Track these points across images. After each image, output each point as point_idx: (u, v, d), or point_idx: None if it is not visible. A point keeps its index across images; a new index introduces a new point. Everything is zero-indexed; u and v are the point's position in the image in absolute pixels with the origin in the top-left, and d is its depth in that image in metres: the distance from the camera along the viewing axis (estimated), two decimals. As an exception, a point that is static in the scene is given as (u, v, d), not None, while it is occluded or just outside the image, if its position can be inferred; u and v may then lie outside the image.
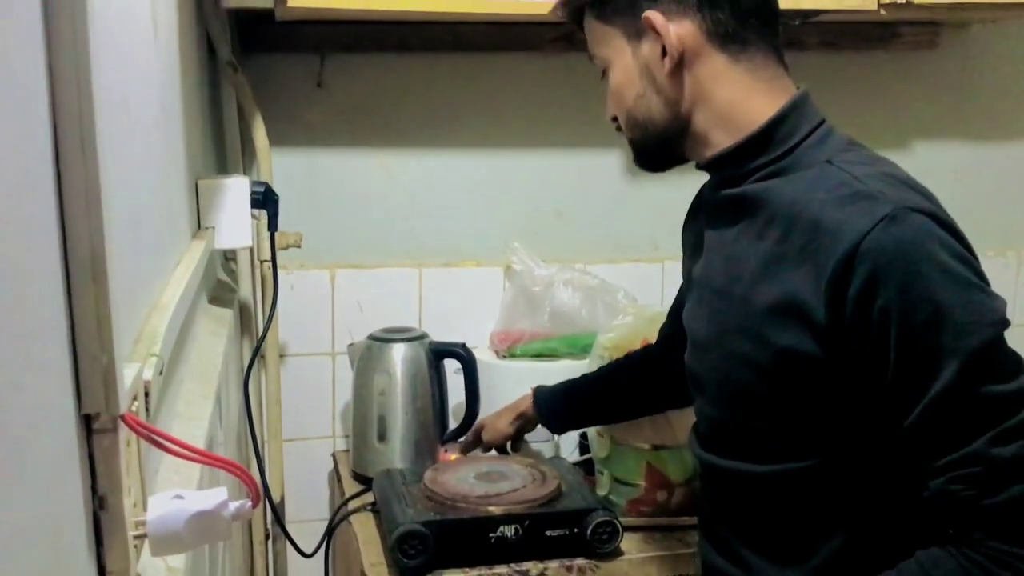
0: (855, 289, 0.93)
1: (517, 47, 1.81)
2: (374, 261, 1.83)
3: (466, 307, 1.86)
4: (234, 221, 1.42)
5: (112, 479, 0.53)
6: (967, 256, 0.95)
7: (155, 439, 0.55)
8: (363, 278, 1.83)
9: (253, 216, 1.50)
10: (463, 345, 1.68)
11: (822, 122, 1.07)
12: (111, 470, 0.53)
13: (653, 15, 1.04)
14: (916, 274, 0.91)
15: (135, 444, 0.59)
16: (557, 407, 1.50)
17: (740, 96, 1.05)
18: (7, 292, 0.40)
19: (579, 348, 1.73)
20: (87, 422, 0.52)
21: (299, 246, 1.69)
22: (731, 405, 1.10)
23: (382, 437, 1.65)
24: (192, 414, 0.96)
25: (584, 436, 1.70)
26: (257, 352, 1.63)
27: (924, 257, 0.92)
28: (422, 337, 1.68)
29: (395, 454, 1.64)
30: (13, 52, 0.43)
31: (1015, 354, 0.95)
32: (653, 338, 1.48)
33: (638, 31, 1.06)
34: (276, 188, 1.57)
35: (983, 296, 0.93)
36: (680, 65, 1.05)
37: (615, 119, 1.15)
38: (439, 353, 1.67)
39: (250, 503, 0.59)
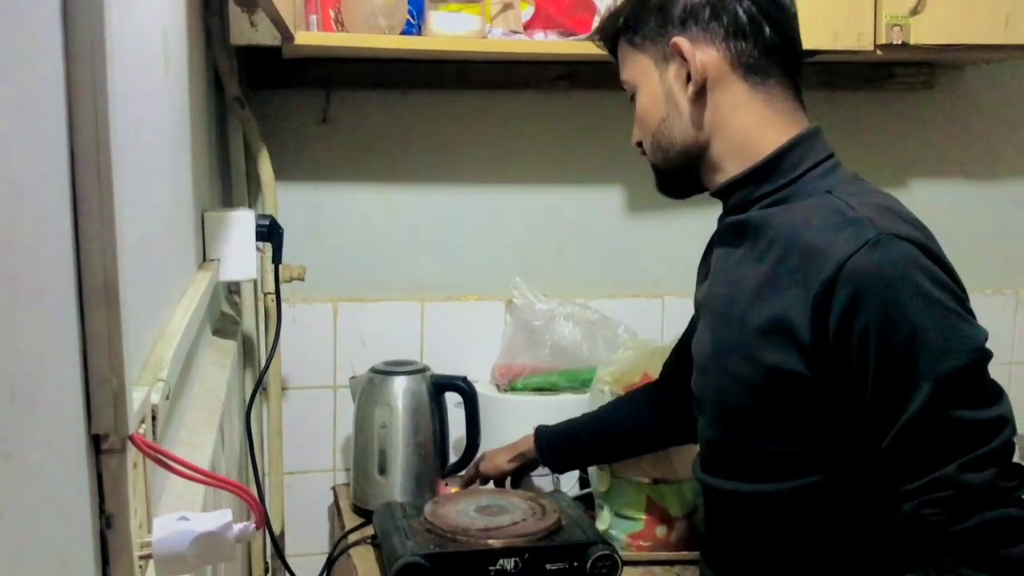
0: (837, 310, 0.96)
1: (520, 85, 1.84)
2: (376, 295, 1.85)
3: (467, 341, 1.87)
4: (239, 253, 1.44)
5: (119, 499, 0.54)
6: (950, 285, 0.98)
7: (162, 460, 0.57)
8: (365, 311, 1.84)
9: (258, 249, 1.52)
10: (464, 379, 1.69)
11: (830, 156, 1.11)
12: (119, 490, 0.54)
13: (681, 41, 1.10)
14: (895, 298, 0.94)
15: (141, 466, 0.60)
16: (558, 447, 1.51)
17: (756, 125, 1.10)
18: (24, 313, 0.41)
19: (579, 382, 1.74)
20: (96, 442, 0.54)
21: (303, 279, 1.70)
22: (727, 424, 1.12)
23: (383, 470, 1.65)
24: (195, 442, 0.97)
25: (584, 470, 1.71)
26: (260, 384, 1.64)
27: (904, 282, 0.95)
28: (424, 370, 1.69)
29: (395, 487, 1.65)
30: (37, 88, 0.45)
31: (995, 385, 0.97)
32: (653, 372, 1.49)
33: (666, 56, 1.12)
34: (280, 222, 1.60)
35: (962, 323, 0.96)
36: (703, 91, 1.10)
37: (640, 144, 1.20)
38: (440, 386, 1.68)
39: (253, 525, 0.60)
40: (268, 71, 1.73)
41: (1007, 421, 0.96)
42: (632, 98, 1.19)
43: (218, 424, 1.08)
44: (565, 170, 1.90)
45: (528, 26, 1.68)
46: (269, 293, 1.66)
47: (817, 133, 1.12)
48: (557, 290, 1.86)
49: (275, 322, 1.63)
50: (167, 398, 0.72)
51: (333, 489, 1.84)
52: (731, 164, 1.12)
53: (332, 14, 1.59)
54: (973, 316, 0.99)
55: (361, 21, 1.56)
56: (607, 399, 1.56)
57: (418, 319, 1.87)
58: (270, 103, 1.76)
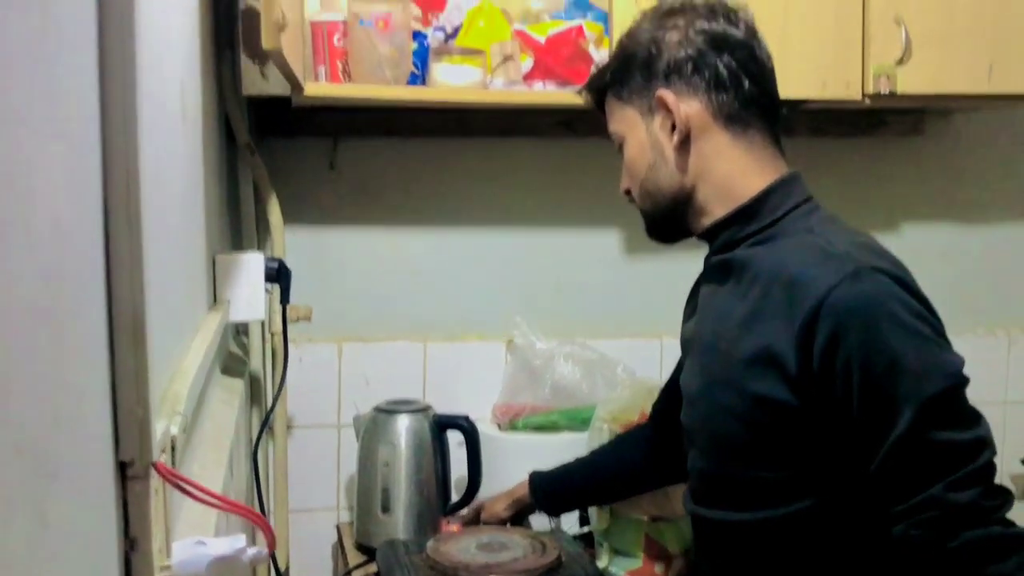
0: (821, 340, 1.01)
1: (519, 132, 1.90)
2: (380, 335, 1.89)
3: (469, 380, 1.90)
4: (248, 295, 1.48)
5: (143, 523, 0.58)
6: (926, 315, 1.03)
7: (182, 486, 0.61)
8: (369, 351, 1.88)
9: (266, 290, 1.56)
10: (466, 417, 1.72)
11: (808, 199, 1.17)
12: (142, 514, 0.58)
13: (665, 94, 1.16)
14: (875, 327, 1.00)
15: (162, 492, 0.64)
16: (552, 491, 1.54)
17: (738, 171, 1.16)
18: (68, 347, 0.46)
19: (579, 421, 1.77)
20: (122, 469, 0.58)
21: (309, 319, 1.74)
22: (718, 454, 1.16)
23: (386, 508, 1.68)
24: (206, 476, 1.00)
25: (585, 509, 1.73)
26: (266, 423, 1.68)
27: (883, 312, 1.00)
28: (426, 409, 1.72)
29: (398, 525, 1.67)
30: (77, 140, 0.50)
31: (974, 410, 1.02)
32: (650, 410, 1.52)
33: (651, 108, 1.18)
34: (287, 264, 1.64)
35: (939, 350, 1.02)
36: (687, 140, 1.16)
37: (628, 192, 1.26)
38: (443, 425, 1.71)
39: (266, 550, 0.64)
40: (277, 119, 1.78)
41: (987, 442, 1.01)
42: (620, 149, 1.25)
43: (227, 460, 1.11)
44: (564, 214, 1.95)
45: (528, 77, 1.74)
46: (276, 333, 1.70)
47: (797, 178, 1.18)
48: (557, 330, 1.90)
49: (282, 361, 1.67)
50: (184, 431, 0.76)
51: (337, 527, 1.86)
52: (716, 207, 1.18)
53: (340, 65, 1.65)
54: (949, 344, 1.05)
55: (368, 72, 1.62)
56: (606, 437, 1.59)
57: (420, 359, 1.91)
58: (279, 150, 1.81)
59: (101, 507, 0.54)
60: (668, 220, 1.23)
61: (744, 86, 1.15)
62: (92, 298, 0.53)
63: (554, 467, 1.55)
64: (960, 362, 1.03)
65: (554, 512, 1.58)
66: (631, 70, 1.20)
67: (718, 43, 1.15)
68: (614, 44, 1.60)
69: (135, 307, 0.56)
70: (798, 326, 1.03)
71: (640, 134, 1.20)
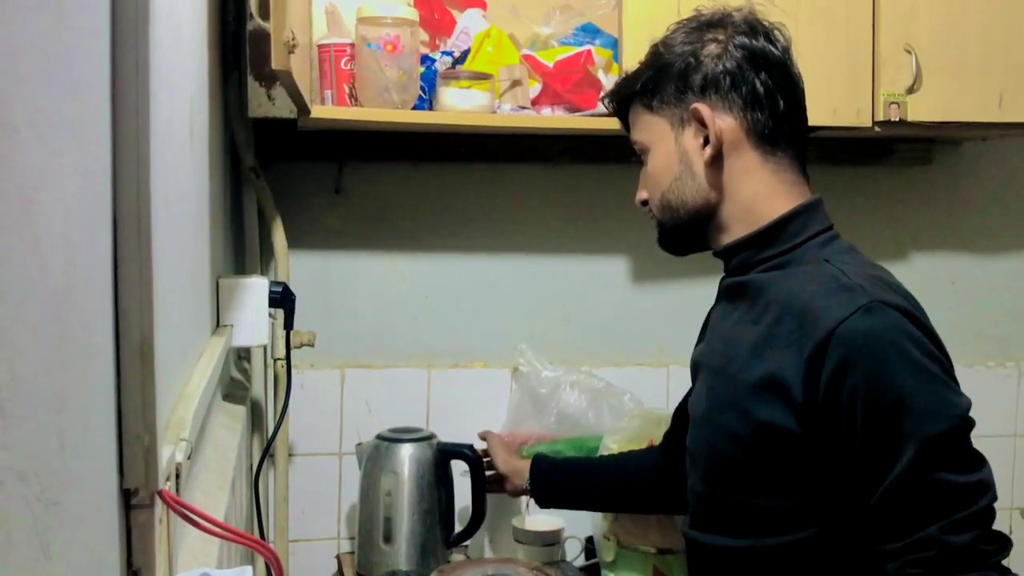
0: (828, 370, 1.00)
1: (526, 158, 1.89)
2: (383, 361, 1.87)
3: (474, 408, 1.88)
4: (252, 319, 1.46)
5: (147, 553, 0.56)
6: (935, 353, 1.02)
7: (188, 515, 0.58)
8: (372, 378, 1.86)
9: (270, 315, 1.54)
10: (471, 446, 1.69)
11: (829, 227, 1.16)
12: (146, 544, 0.56)
13: (701, 107, 1.15)
14: (883, 362, 0.99)
15: (166, 521, 0.62)
16: (550, 480, 1.52)
17: (764, 192, 1.15)
18: (74, 370, 0.44)
19: (585, 450, 1.74)
20: (126, 497, 0.55)
21: (312, 345, 1.72)
22: (719, 479, 1.15)
23: (388, 538, 1.65)
24: (208, 505, 0.98)
25: (590, 540, 1.70)
26: (268, 450, 1.65)
27: (892, 347, 0.99)
28: (430, 438, 1.69)
29: (400, 556, 1.64)
30: (89, 156, 0.48)
31: (978, 453, 1.01)
32: (658, 440, 1.50)
33: (683, 120, 1.17)
34: (291, 288, 1.62)
35: (947, 391, 1.00)
36: (718, 156, 1.16)
37: (645, 203, 1.25)
38: (447, 454, 1.69)
39: (273, 582, 0.61)
40: (283, 142, 1.77)
41: (988, 487, 0.99)
42: (641, 158, 1.24)
43: (230, 486, 1.09)
44: (570, 240, 1.94)
45: (535, 102, 1.73)
46: (280, 359, 1.68)
47: (819, 205, 1.17)
48: (563, 358, 1.88)
49: (284, 387, 1.65)
50: (188, 457, 0.73)
51: (337, 557, 1.83)
52: (737, 227, 1.17)
53: (347, 89, 1.65)
54: (957, 384, 1.03)
55: (375, 96, 1.61)
56: (613, 467, 1.57)
57: (424, 386, 1.89)
58: (285, 174, 1.80)
59: (104, 536, 0.51)
60: (685, 233, 1.23)
61: (779, 106, 1.15)
62: (100, 320, 0.51)
63: (560, 457, 1.55)
64: (967, 404, 1.01)
65: (544, 501, 1.54)
66: (665, 80, 1.18)
67: (757, 60, 1.14)
68: (623, 70, 1.61)
69: (143, 330, 0.54)
70: (806, 355, 1.02)
71: (668, 145, 1.19)
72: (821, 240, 1.14)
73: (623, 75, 1.28)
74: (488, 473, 1.63)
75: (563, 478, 1.52)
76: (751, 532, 1.11)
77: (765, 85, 1.14)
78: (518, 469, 1.56)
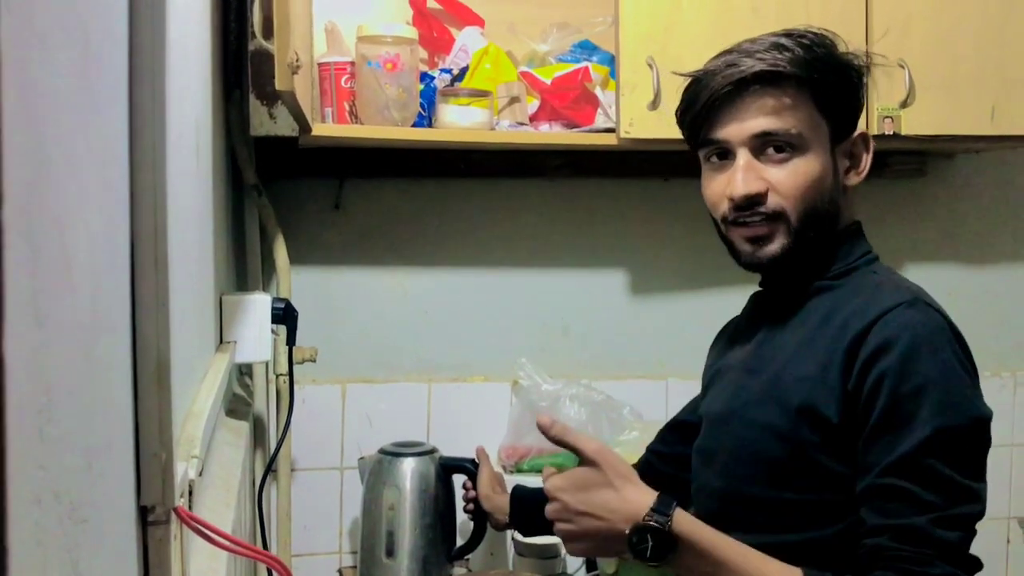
0: (864, 355, 1.02)
1: (525, 173, 1.90)
2: (384, 376, 1.88)
3: (474, 421, 1.89)
4: (255, 336, 1.47)
5: (163, 569, 0.57)
6: (965, 361, 1.04)
7: (204, 531, 0.59)
8: (373, 392, 1.87)
9: (272, 331, 1.55)
10: (472, 460, 1.70)
11: (872, 250, 1.20)
12: (163, 560, 0.57)
13: (866, 133, 1.16)
14: (916, 352, 1.01)
15: (180, 537, 0.63)
16: (531, 510, 1.44)
17: (850, 220, 1.18)
18: (101, 390, 0.45)
19: (585, 463, 1.75)
20: (143, 514, 0.57)
21: (314, 360, 1.73)
22: (741, 474, 1.14)
23: (390, 552, 1.65)
24: (216, 520, 0.99)
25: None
26: (271, 465, 1.66)
27: (928, 342, 1.01)
28: (432, 452, 1.70)
29: (402, 570, 1.65)
30: (113, 190, 0.50)
31: (983, 470, 1.02)
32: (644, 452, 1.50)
33: (841, 136, 1.14)
34: (293, 304, 1.63)
35: (971, 392, 1.02)
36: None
37: (758, 195, 1.11)
38: (448, 468, 1.70)
39: (286, 597, 0.62)
40: (283, 160, 1.79)
41: (982, 501, 1.00)
42: (775, 145, 1.10)
43: (235, 502, 1.10)
44: (569, 254, 1.95)
45: (534, 118, 1.75)
46: (282, 375, 1.69)
47: (862, 229, 1.20)
48: (562, 371, 1.89)
49: (287, 403, 1.66)
50: (200, 474, 0.75)
51: (340, 572, 1.84)
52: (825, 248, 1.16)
53: (347, 107, 1.66)
54: (981, 395, 1.05)
55: (375, 113, 1.62)
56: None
57: (425, 400, 1.90)
58: (286, 191, 1.82)
59: (124, 553, 0.52)
60: (802, 249, 1.13)
61: None
62: (120, 342, 0.52)
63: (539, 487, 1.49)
64: (988, 414, 1.03)
65: (527, 531, 1.51)
66: (846, 90, 1.14)
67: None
68: (621, 86, 1.63)
69: (160, 351, 0.56)
70: (848, 340, 1.04)
71: (825, 156, 1.12)
72: (867, 259, 1.17)
73: (786, 47, 1.11)
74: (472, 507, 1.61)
75: (540, 508, 1.48)
76: (772, 528, 1.10)
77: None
78: (499, 505, 1.54)
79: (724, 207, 1.14)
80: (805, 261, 1.14)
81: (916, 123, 1.69)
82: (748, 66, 1.10)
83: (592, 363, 1.95)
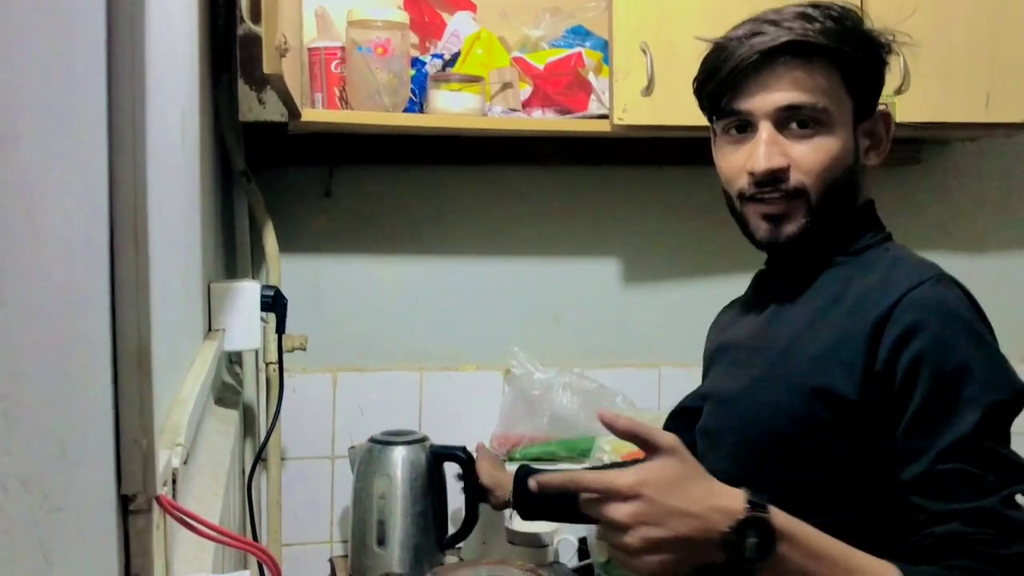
0: (893, 335, 0.98)
1: (517, 160, 1.89)
2: (375, 364, 1.87)
3: (466, 410, 1.88)
4: (244, 324, 1.46)
5: (145, 559, 0.56)
6: (993, 337, 1.03)
7: (187, 521, 0.58)
8: (364, 381, 1.86)
9: (262, 319, 1.54)
10: (464, 448, 1.69)
11: (885, 229, 1.17)
12: (144, 550, 0.55)
13: (888, 113, 1.12)
14: (950, 329, 0.98)
15: (163, 527, 0.62)
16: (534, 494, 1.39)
17: (864, 200, 1.14)
18: (75, 375, 0.44)
19: (578, 451, 1.75)
20: (124, 502, 0.55)
21: (304, 348, 1.72)
22: (750, 456, 1.09)
23: (381, 541, 1.65)
24: (203, 510, 0.98)
25: (583, 541, 1.71)
26: (260, 454, 1.65)
27: (959, 318, 1.00)
28: (423, 440, 1.69)
29: (394, 559, 1.64)
30: (87, 160, 0.48)
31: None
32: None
33: (863, 115, 1.10)
34: (282, 292, 1.62)
35: (1008, 366, 1.01)
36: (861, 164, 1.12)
37: (778, 173, 1.06)
38: (440, 456, 1.69)
39: (272, 587, 0.61)
40: (273, 146, 1.77)
41: None
42: (800, 120, 1.06)
43: (224, 491, 1.08)
44: (561, 242, 1.94)
45: (526, 104, 1.73)
46: (271, 363, 1.67)
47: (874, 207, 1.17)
48: (555, 360, 1.88)
49: (276, 391, 1.65)
50: (184, 463, 0.73)
51: (330, 561, 1.83)
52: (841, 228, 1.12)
53: (337, 92, 1.64)
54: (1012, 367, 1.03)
55: (365, 99, 1.61)
56: (606, 468, 1.57)
57: (416, 388, 1.88)
58: (275, 177, 1.80)
59: (103, 543, 0.51)
60: (820, 228, 1.09)
61: None
62: (97, 325, 0.51)
63: (544, 471, 1.40)
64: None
65: (527, 514, 1.45)
66: (873, 66, 1.10)
67: None
68: (614, 72, 1.61)
69: (140, 335, 0.54)
70: (872, 320, 1.00)
71: (848, 133, 1.08)
72: (880, 237, 1.14)
73: (814, 17, 1.06)
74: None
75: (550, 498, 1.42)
76: (785, 511, 1.01)
77: None
78: (501, 482, 1.49)
79: (742, 182, 1.09)
80: (820, 240, 1.10)
81: (911, 110, 1.68)
82: (776, 35, 1.05)
83: (585, 351, 1.94)
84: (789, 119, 1.06)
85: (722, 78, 1.08)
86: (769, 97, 1.06)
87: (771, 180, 1.06)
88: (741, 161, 1.09)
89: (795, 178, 1.06)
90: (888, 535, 1.02)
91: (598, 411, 0.98)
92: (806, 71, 1.05)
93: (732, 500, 0.90)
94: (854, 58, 1.07)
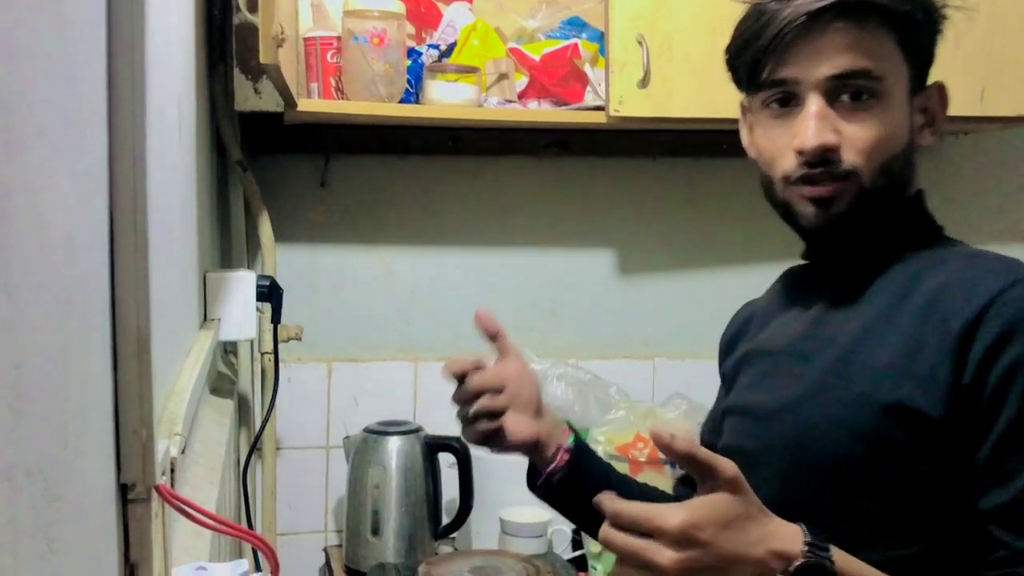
0: (984, 343, 0.86)
1: (513, 152, 1.89)
2: (370, 354, 1.87)
3: (461, 401, 1.88)
4: (240, 313, 1.46)
5: (144, 548, 0.56)
6: None
7: (186, 510, 0.59)
8: (359, 371, 1.86)
9: (257, 309, 1.54)
10: (458, 439, 1.70)
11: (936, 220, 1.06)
12: (143, 539, 0.56)
13: (943, 85, 1.00)
14: None
15: (161, 515, 0.62)
16: (586, 474, 1.14)
17: (916, 188, 1.02)
18: (76, 365, 0.44)
19: (572, 442, 1.75)
20: (123, 492, 0.56)
21: (299, 338, 1.72)
22: (801, 478, 0.96)
23: (376, 531, 1.65)
24: (199, 497, 0.98)
25: (577, 532, 1.71)
26: (255, 444, 1.65)
27: None
28: (418, 431, 1.70)
29: (388, 548, 1.65)
30: (88, 151, 0.48)
31: None
32: (646, 433, 1.51)
33: (916, 88, 0.99)
34: (278, 282, 1.62)
35: None
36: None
37: (829, 152, 0.94)
38: (434, 447, 1.69)
39: (270, 575, 0.62)
40: (268, 136, 1.77)
41: None
42: (853, 91, 0.94)
43: (219, 481, 1.09)
44: (557, 234, 1.94)
45: (522, 95, 1.73)
46: (267, 353, 1.68)
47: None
48: (549, 351, 1.89)
49: (272, 381, 1.65)
50: (182, 452, 0.74)
51: (325, 550, 1.83)
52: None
53: (333, 82, 1.64)
54: None
55: (361, 89, 1.61)
56: (600, 459, 1.57)
57: (411, 379, 1.89)
58: (271, 167, 1.80)
59: (103, 531, 0.52)
60: (871, 214, 0.96)
61: None
62: (98, 315, 0.51)
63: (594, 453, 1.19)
64: None
65: (554, 499, 1.15)
66: (931, 31, 0.98)
67: None
68: (610, 64, 1.61)
69: (140, 325, 0.55)
70: (958, 328, 0.87)
71: (904, 106, 0.96)
72: (937, 230, 1.04)
73: None
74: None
75: (597, 478, 1.14)
76: (841, 545, 0.85)
77: None
78: (553, 434, 1.15)
79: (788, 163, 0.95)
80: (870, 230, 0.97)
81: (906, 104, 1.69)
82: None
83: (579, 342, 1.95)
84: (841, 90, 0.93)
85: (763, 44, 0.94)
86: (819, 65, 0.92)
87: (821, 160, 0.93)
88: (785, 139, 0.96)
89: (848, 159, 0.93)
90: (958, 574, 0.90)
91: (652, 429, 0.85)
92: (860, 34, 0.92)
93: (790, 542, 0.81)
94: (912, 19, 0.95)
